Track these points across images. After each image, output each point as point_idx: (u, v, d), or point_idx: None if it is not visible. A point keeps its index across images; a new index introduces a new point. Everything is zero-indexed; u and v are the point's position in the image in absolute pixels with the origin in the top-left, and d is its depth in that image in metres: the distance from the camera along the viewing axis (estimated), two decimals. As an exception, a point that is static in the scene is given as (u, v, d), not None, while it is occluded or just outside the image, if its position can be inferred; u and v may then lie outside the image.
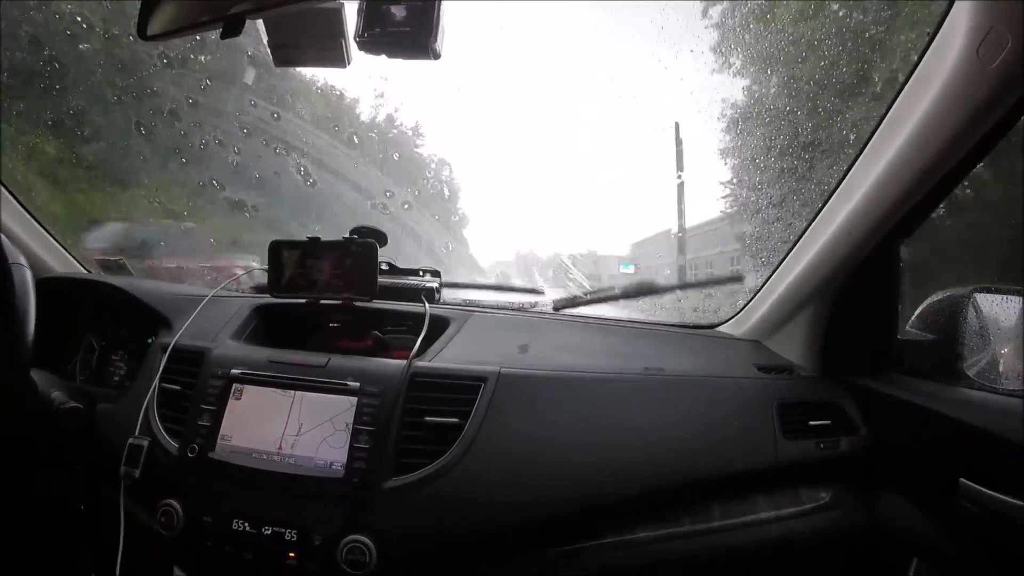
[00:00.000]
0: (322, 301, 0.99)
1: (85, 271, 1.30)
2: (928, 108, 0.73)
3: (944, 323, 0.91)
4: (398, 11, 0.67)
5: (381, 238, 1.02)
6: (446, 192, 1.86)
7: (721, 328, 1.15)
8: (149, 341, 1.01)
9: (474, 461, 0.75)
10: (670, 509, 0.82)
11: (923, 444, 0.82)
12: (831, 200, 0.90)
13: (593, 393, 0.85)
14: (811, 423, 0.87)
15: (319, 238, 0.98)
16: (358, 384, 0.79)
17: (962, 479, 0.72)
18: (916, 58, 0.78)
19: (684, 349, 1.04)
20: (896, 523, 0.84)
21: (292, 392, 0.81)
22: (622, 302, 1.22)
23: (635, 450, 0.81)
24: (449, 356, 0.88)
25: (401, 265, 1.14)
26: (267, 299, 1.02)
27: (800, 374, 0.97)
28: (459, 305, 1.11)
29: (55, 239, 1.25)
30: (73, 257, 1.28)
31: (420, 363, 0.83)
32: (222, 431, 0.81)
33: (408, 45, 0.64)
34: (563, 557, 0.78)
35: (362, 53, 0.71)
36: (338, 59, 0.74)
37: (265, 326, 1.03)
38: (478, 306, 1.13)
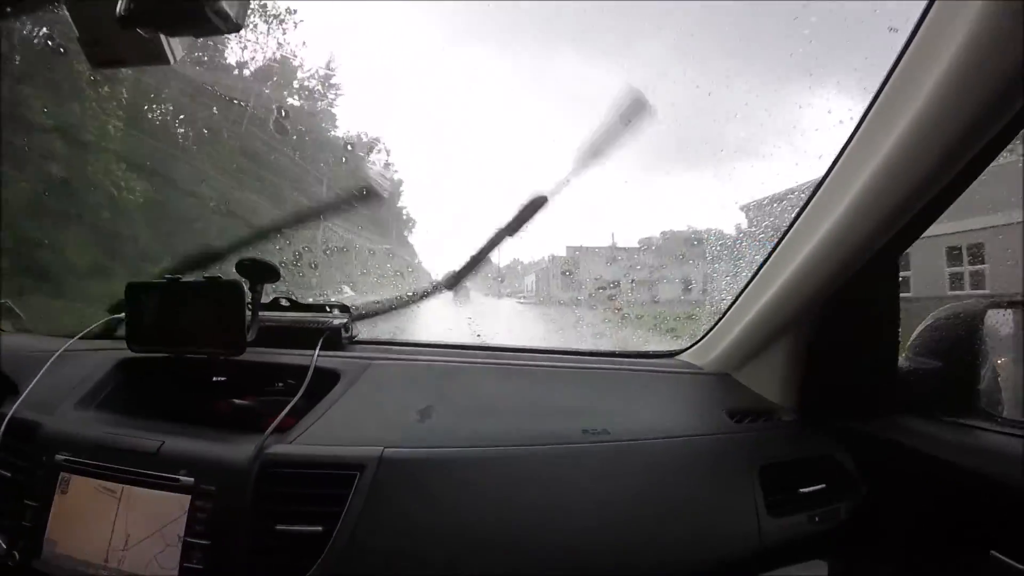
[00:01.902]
0: (186, 356, 0.79)
1: None
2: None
3: (952, 347, 0.73)
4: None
5: (268, 273, 0.82)
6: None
7: (683, 356, 0.94)
8: None
9: None
10: None
11: (939, 505, 0.66)
12: (814, 199, 0.71)
13: (510, 474, 0.65)
14: (801, 490, 0.70)
15: (179, 277, 0.79)
16: (192, 480, 0.60)
17: (993, 552, 0.57)
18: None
19: (636, 394, 0.83)
20: None
21: (119, 487, 0.63)
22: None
23: (570, 546, 0.62)
24: (321, 433, 0.66)
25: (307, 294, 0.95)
26: (129, 353, 0.83)
27: (781, 419, 0.79)
28: (369, 347, 0.90)
29: None
30: None
31: (277, 447, 0.63)
32: (48, 532, 0.65)
33: (186, 13, 0.44)
34: None
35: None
36: (160, 54, 0.56)
37: (130, 385, 0.83)
38: (395, 347, 0.93)
